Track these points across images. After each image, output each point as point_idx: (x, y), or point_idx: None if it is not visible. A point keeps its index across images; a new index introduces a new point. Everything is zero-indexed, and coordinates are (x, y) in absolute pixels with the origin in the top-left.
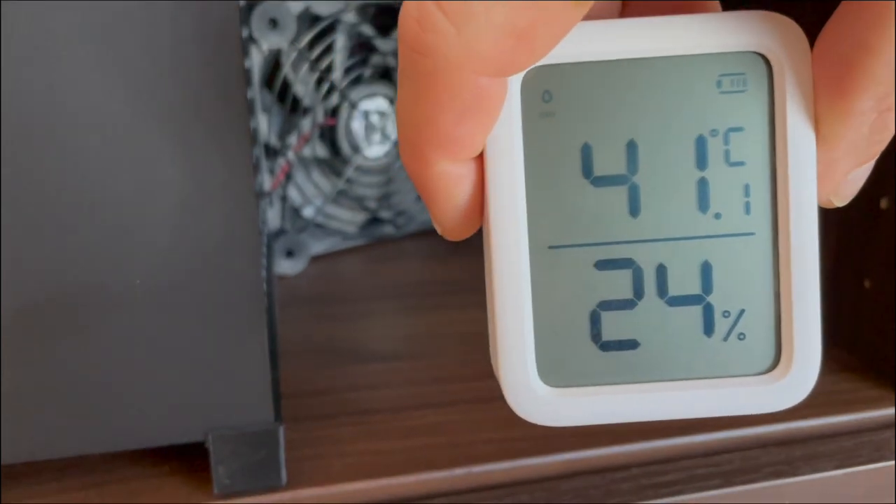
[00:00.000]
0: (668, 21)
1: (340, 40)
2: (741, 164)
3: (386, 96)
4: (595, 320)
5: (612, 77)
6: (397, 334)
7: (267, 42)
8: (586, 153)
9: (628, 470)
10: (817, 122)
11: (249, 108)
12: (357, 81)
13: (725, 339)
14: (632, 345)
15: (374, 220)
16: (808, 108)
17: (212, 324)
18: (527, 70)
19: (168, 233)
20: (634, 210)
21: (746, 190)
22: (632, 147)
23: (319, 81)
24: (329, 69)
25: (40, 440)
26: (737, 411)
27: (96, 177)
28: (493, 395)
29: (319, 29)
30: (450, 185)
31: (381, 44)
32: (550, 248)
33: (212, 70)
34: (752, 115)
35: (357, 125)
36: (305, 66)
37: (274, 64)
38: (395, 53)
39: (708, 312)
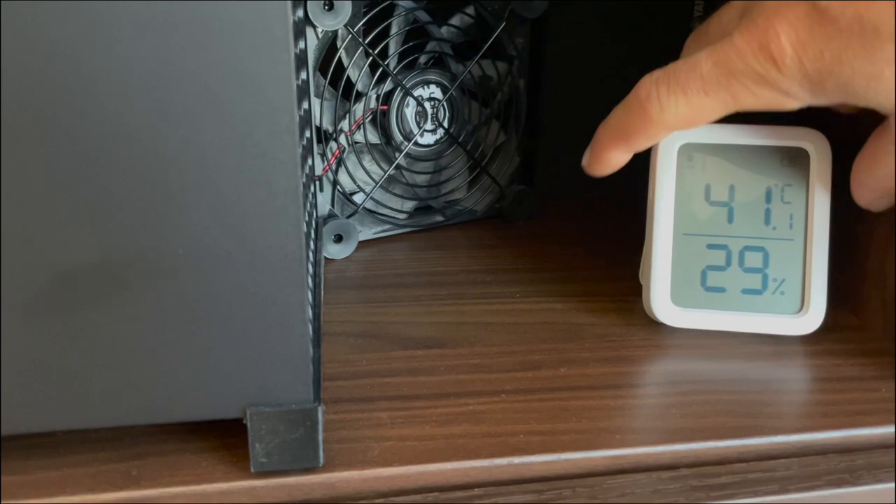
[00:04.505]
0: (758, 127)
1: (395, 25)
2: (789, 203)
3: (438, 84)
4: (704, 275)
5: (726, 152)
6: (441, 321)
7: (322, 24)
8: (707, 188)
9: (677, 470)
10: (853, 178)
11: (303, 91)
12: (411, 67)
13: (773, 293)
14: (722, 290)
15: (424, 208)
16: (827, 176)
17: (253, 299)
18: (682, 143)
19: (211, 202)
20: (731, 220)
21: (791, 216)
22: (732, 188)
23: (373, 66)
24: (383, 54)
25: (77, 409)
26: (777, 332)
27: (141, 142)
28: (534, 386)
29: (375, 12)
30: (615, 160)
31: (436, 30)
32: (684, 234)
33: (257, 37)
34: (798, 178)
35: (409, 112)
36: (359, 51)
37: (328, 48)
38: (449, 41)
39: (765, 278)
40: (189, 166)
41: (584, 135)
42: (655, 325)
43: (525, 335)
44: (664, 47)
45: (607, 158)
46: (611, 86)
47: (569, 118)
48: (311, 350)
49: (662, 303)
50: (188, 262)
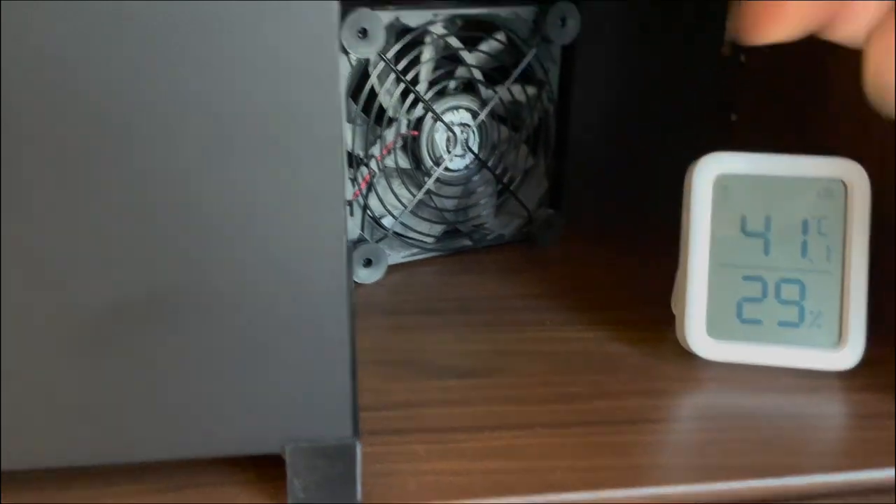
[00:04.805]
0: (795, 158)
1: (427, 52)
2: (826, 235)
3: (469, 109)
4: (739, 306)
5: (762, 183)
6: (473, 349)
7: (356, 52)
8: (743, 219)
9: None
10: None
11: None
12: (442, 93)
13: (810, 326)
14: (758, 322)
15: (451, 232)
16: (865, 208)
17: (295, 335)
18: (718, 174)
19: (257, 238)
20: (767, 251)
21: (828, 249)
22: (767, 219)
23: (404, 93)
24: (414, 80)
25: (117, 443)
26: (814, 366)
27: (185, 178)
28: (570, 419)
29: (407, 40)
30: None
31: (468, 56)
32: (721, 265)
33: (307, 77)
34: (834, 211)
35: (439, 137)
36: (391, 77)
37: (361, 74)
38: (480, 66)
39: (802, 310)
40: (236, 202)
41: (610, 158)
42: (690, 356)
43: (558, 365)
44: (689, 67)
45: (767, 21)
46: (636, 105)
47: (595, 140)
48: (350, 384)
49: (698, 334)
50: (231, 297)
